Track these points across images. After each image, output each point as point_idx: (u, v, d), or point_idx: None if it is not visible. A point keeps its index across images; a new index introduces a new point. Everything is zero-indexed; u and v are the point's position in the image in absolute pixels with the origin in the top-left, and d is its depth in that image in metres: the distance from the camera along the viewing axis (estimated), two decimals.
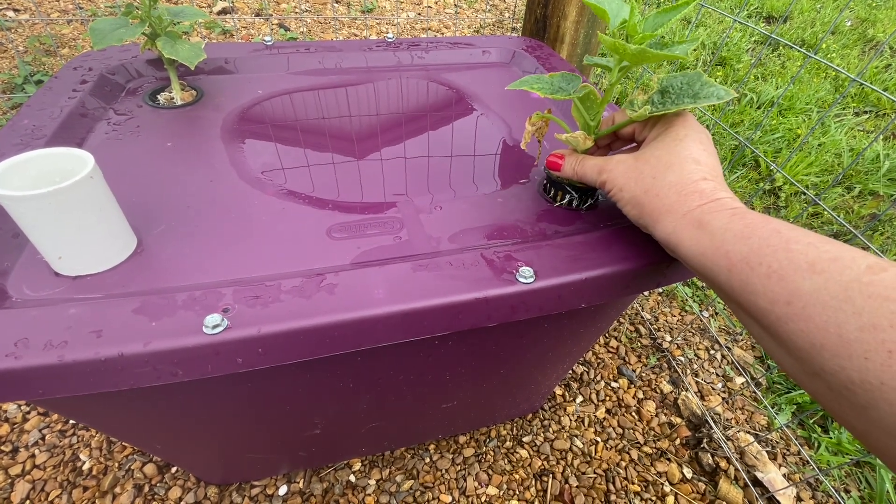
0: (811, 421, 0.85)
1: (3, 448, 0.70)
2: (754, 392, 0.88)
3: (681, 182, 0.34)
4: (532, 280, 0.38)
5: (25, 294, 0.36)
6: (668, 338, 0.97)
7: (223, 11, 1.93)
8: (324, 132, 0.59)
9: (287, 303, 0.35)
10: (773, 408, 0.86)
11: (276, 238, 0.43)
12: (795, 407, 0.86)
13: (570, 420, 0.81)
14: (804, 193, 1.41)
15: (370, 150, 0.56)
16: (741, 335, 0.99)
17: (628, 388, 0.87)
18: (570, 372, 0.89)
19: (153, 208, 0.45)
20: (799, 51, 0.62)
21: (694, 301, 1.05)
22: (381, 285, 0.37)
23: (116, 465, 0.69)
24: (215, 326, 0.32)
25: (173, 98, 0.62)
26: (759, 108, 1.81)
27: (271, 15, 1.96)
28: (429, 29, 2.09)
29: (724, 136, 1.60)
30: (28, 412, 0.74)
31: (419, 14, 2.17)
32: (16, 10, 1.71)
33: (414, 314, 0.35)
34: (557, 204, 0.49)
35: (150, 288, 0.37)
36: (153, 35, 0.57)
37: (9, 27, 1.49)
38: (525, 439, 0.78)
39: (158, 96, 0.62)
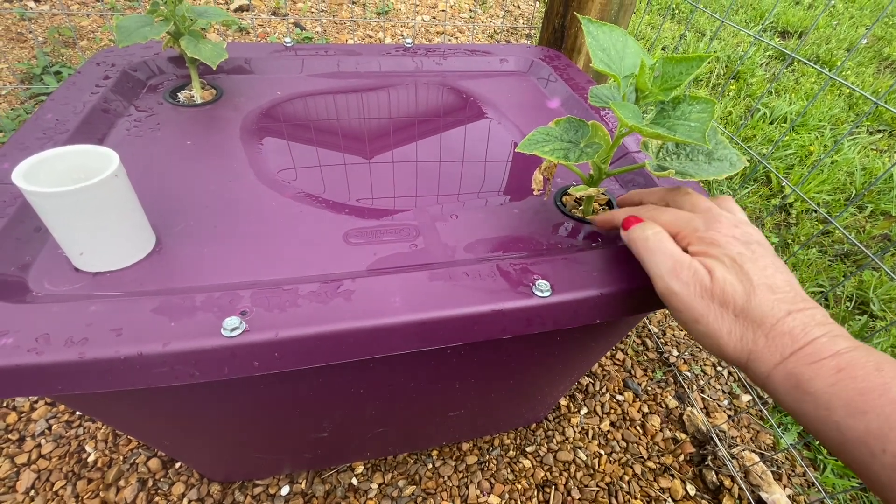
0: (817, 442, 0.84)
1: (9, 437, 0.70)
2: (761, 411, 0.88)
3: (764, 322, 0.29)
4: (549, 294, 0.38)
5: (46, 289, 0.36)
6: (675, 352, 0.96)
7: (240, 9, 1.94)
8: (341, 136, 0.59)
9: (304, 308, 0.35)
10: (779, 427, 0.85)
11: (293, 241, 0.43)
12: (802, 427, 0.85)
13: (574, 432, 0.81)
14: (815, 212, 1.40)
15: (387, 155, 0.56)
16: None
17: (633, 401, 0.87)
18: (576, 383, 0.88)
19: (172, 207, 0.45)
20: (820, 71, 0.62)
21: None
22: (397, 293, 0.37)
23: (121, 458, 0.69)
24: (233, 329, 0.32)
25: (193, 96, 0.63)
26: (772, 122, 1.81)
27: (287, 14, 1.98)
28: (443, 33, 2.09)
29: (737, 150, 1.60)
30: (35, 401, 0.75)
31: (434, 18, 2.18)
32: (36, 2, 1.73)
33: (430, 324, 0.35)
34: (573, 216, 0.49)
35: (168, 287, 0.37)
36: (177, 33, 0.58)
37: (30, 17, 1.50)
38: (528, 449, 0.78)
39: (179, 94, 0.63)
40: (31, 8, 1.66)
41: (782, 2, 2.82)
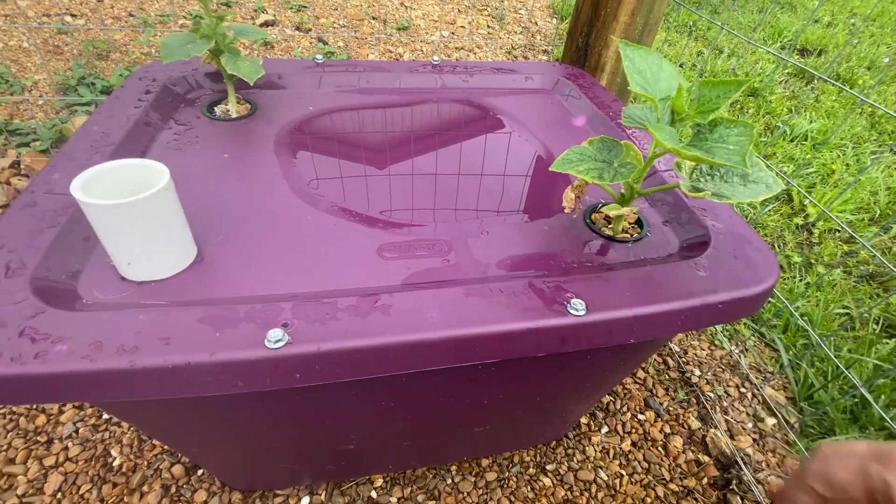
0: None
1: (38, 439, 0.71)
2: (787, 435, 0.86)
3: None
4: (583, 313, 0.38)
5: (95, 297, 0.37)
6: (697, 372, 0.95)
7: (266, 23, 2.00)
8: (370, 150, 0.61)
9: (344, 321, 0.35)
10: (806, 452, 0.83)
11: (328, 254, 0.44)
12: None
13: (595, 450, 0.80)
14: (839, 231, 1.38)
15: (414, 169, 0.57)
16: (773, 374, 0.96)
17: (655, 421, 0.85)
18: (598, 401, 0.87)
19: (212, 219, 0.46)
20: (850, 92, 0.62)
21: (724, 335, 1.03)
22: (434, 309, 0.37)
23: (146, 463, 0.70)
24: (277, 341, 0.33)
25: (229, 110, 0.64)
26: (792, 140, 1.79)
27: (311, 29, 2.03)
28: (462, 48, 2.12)
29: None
30: (63, 404, 0.76)
31: (453, 34, 2.22)
32: (73, 16, 1.80)
33: (468, 340, 0.36)
34: (603, 234, 0.49)
35: (210, 297, 0.38)
36: (216, 50, 0.60)
37: (66, 31, 1.57)
38: (549, 467, 0.77)
39: (215, 108, 0.65)
40: (67, 22, 1.73)
41: (801, 20, 2.82)
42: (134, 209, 0.34)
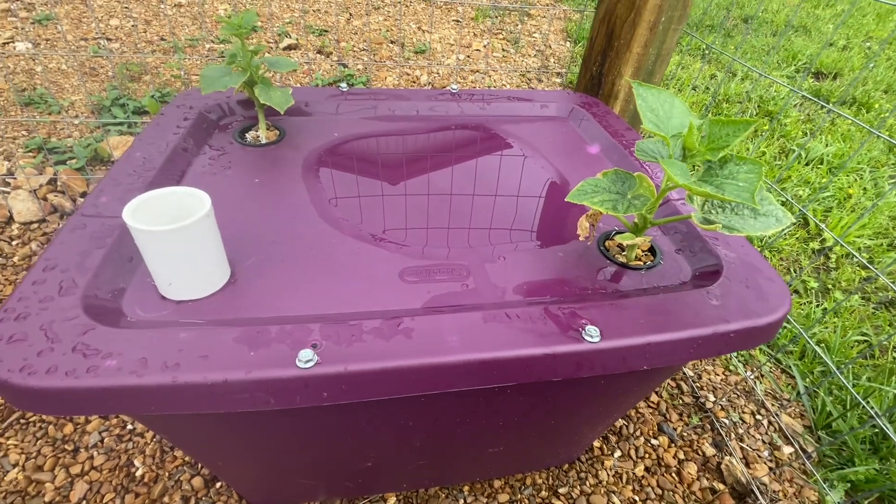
0: (866, 502, 0.80)
1: (66, 447, 0.74)
2: (804, 464, 0.84)
3: None
4: (598, 340, 0.39)
5: (138, 314, 0.40)
6: (712, 398, 0.94)
7: (289, 47, 2.08)
8: (392, 176, 0.63)
9: (369, 343, 0.37)
10: (825, 483, 0.82)
11: (353, 277, 0.46)
12: (849, 485, 0.81)
13: (608, 475, 0.80)
14: (856, 256, 1.36)
15: (435, 196, 0.60)
16: (790, 402, 0.95)
17: (669, 446, 0.85)
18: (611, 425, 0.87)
19: (244, 241, 0.49)
20: (863, 126, 0.63)
21: (739, 361, 1.03)
22: (454, 333, 0.39)
23: (167, 474, 0.72)
24: (307, 361, 0.35)
25: (259, 136, 0.68)
26: (807, 164, 1.79)
27: (331, 52, 2.10)
28: (476, 71, 2.18)
29: (771, 193, 1.58)
30: (71, 416, 0.79)
31: (468, 57, 2.28)
32: (108, 40, 1.90)
33: (486, 364, 0.37)
34: (617, 261, 0.51)
35: (242, 317, 0.41)
36: (250, 81, 0.64)
37: (102, 55, 1.65)
38: (561, 490, 0.77)
39: (246, 134, 0.68)
40: (103, 46, 1.82)
41: (815, 43, 2.83)
42: (179, 234, 0.37)
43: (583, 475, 0.79)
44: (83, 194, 1.16)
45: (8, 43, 1.72)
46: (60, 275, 0.40)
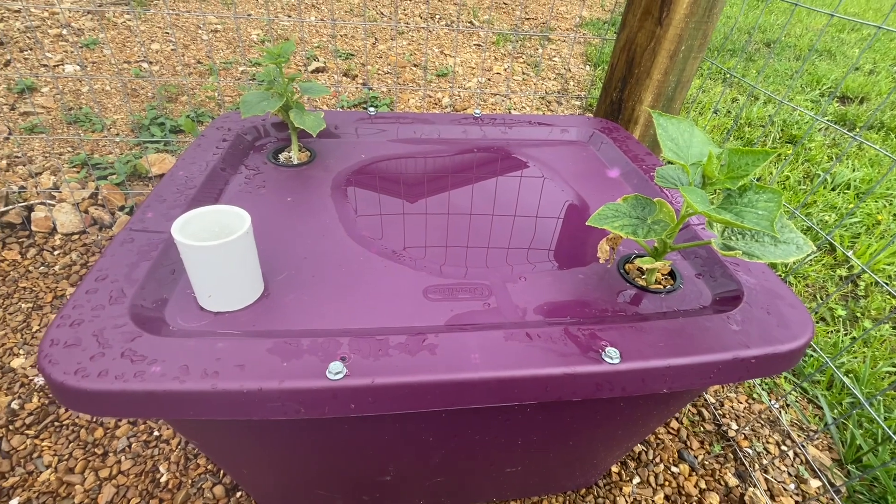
0: None
1: (95, 451, 0.77)
2: (833, 499, 0.81)
3: None
4: (618, 361, 0.40)
5: (179, 324, 0.42)
6: (735, 426, 0.92)
7: (316, 70, 2.17)
8: (417, 196, 0.66)
9: (395, 357, 0.39)
10: None
11: (380, 294, 0.48)
12: None
13: (626, 501, 0.78)
14: (887, 282, 1.32)
15: (458, 217, 0.62)
16: (817, 433, 0.92)
17: (689, 475, 0.83)
18: (629, 450, 0.86)
19: (276, 257, 0.52)
20: (882, 153, 0.63)
21: (763, 388, 1.00)
22: (476, 350, 0.40)
23: (190, 481, 0.74)
24: (337, 373, 0.37)
25: (291, 157, 0.72)
26: (833, 189, 1.76)
27: (357, 75, 2.18)
28: (497, 94, 2.23)
29: (795, 219, 1.56)
30: (120, 419, 0.82)
31: (489, 80, 2.33)
32: (149, 63, 2.02)
33: (507, 382, 0.39)
34: (636, 285, 0.52)
35: (275, 329, 0.43)
36: (286, 106, 0.68)
37: (143, 77, 1.76)
38: None
39: (279, 155, 0.72)
40: (145, 68, 1.93)
41: (840, 67, 2.80)
42: (222, 249, 0.40)
43: (600, 500, 0.78)
44: (121, 208, 1.23)
45: (58, 65, 1.84)
46: (111, 285, 0.43)
